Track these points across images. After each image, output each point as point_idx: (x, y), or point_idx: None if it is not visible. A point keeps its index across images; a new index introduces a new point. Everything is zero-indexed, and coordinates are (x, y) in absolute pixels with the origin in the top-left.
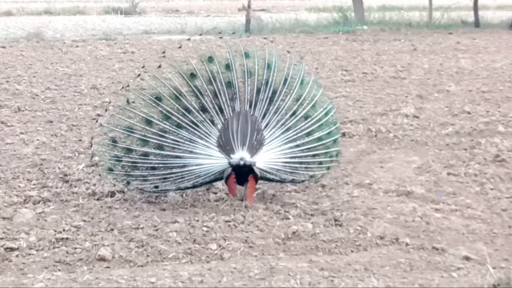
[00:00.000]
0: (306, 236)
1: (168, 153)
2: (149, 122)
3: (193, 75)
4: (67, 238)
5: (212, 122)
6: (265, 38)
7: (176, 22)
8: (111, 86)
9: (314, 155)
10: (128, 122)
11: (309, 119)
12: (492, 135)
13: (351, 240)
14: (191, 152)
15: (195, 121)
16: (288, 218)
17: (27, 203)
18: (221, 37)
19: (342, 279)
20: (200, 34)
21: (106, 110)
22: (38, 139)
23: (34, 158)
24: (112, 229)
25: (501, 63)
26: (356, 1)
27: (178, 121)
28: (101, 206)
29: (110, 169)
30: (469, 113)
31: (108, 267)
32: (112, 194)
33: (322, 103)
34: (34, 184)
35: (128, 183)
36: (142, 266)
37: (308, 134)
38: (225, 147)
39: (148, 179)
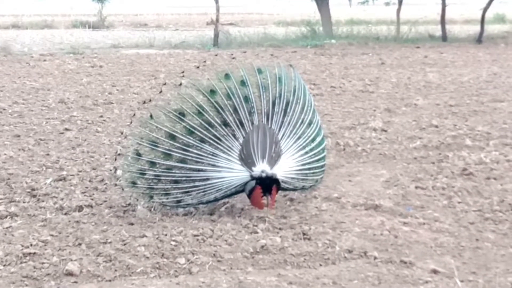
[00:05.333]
0: (274, 250)
1: (191, 166)
2: (173, 137)
3: (212, 92)
4: (34, 253)
5: (234, 136)
6: (232, 56)
7: (144, 36)
8: (79, 100)
9: (318, 160)
10: (153, 136)
11: (312, 125)
12: (460, 148)
13: (320, 254)
14: (213, 165)
15: (217, 135)
16: (257, 232)
17: None
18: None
19: None
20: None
21: (131, 122)
22: (5, 154)
23: (1, 173)
24: (80, 244)
25: (468, 77)
26: (324, 15)
27: (202, 135)
28: (69, 221)
29: (133, 183)
30: (436, 126)
31: (75, 282)
32: (80, 208)
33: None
34: (1, 199)
35: (151, 197)
36: (110, 280)
37: (313, 139)
38: (247, 160)
39: (171, 193)
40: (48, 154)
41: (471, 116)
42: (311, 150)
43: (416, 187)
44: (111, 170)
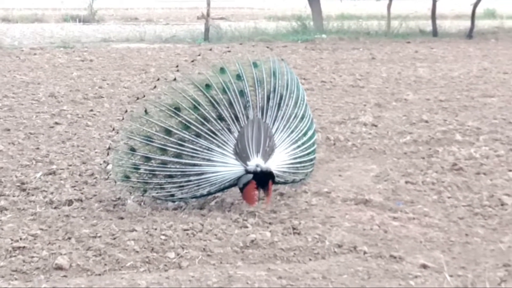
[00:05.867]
0: (264, 244)
1: (187, 161)
2: (168, 132)
3: (208, 86)
4: (24, 247)
5: (229, 130)
6: (228, 49)
7: (135, 30)
8: (69, 94)
9: (308, 153)
10: (148, 131)
11: (304, 119)
12: (450, 143)
13: (309, 248)
14: (208, 160)
15: (213, 129)
16: (247, 227)
17: None
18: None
19: None
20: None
21: (122, 119)
22: None
23: None
24: (69, 238)
25: (458, 72)
26: (315, 10)
27: (197, 130)
28: (59, 215)
29: (127, 177)
30: (427, 122)
31: (65, 276)
32: (69, 202)
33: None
34: None
35: (145, 191)
36: (99, 275)
37: (305, 133)
38: (241, 154)
39: (165, 187)
40: (38, 148)
41: (461, 111)
42: (303, 144)
43: (406, 182)
44: (101, 164)
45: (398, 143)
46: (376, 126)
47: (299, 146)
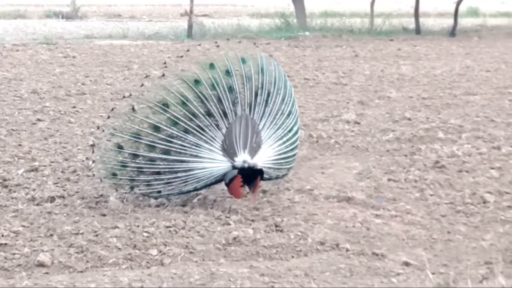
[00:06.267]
0: (246, 241)
1: (175, 157)
2: (156, 128)
3: (197, 82)
4: (5, 244)
5: (217, 126)
6: (216, 43)
7: (118, 26)
8: (52, 91)
9: (292, 149)
10: (135, 128)
11: (291, 115)
12: (432, 141)
13: (292, 245)
14: (196, 156)
15: (201, 125)
16: (229, 224)
17: None
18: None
19: (282, 285)
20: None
21: (108, 117)
22: None
23: None
24: (51, 235)
25: (441, 70)
26: (298, 7)
27: (186, 126)
28: (41, 212)
29: (114, 174)
30: (409, 119)
31: (47, 273)
32: (52, 199)
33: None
34: None
35: (132, 188)
36: (81, 271)
37: (290, 130)
38: (229, 150)
39: (152, 184)
40: (20, 145)
41: (444, 109)
42: (288, 140)
43: (389, 180)
44: (83, 161)
45: (380, 141)
46: (359, 123)
47: (284, 142)
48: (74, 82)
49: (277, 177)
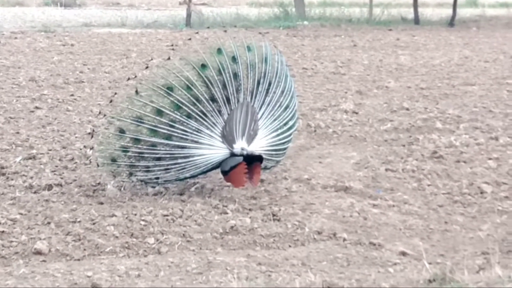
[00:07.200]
0: (244, 230)
1: (176, 143)
2: (159, 112)
3: (204, 66)
4: (3, 231)
5: (220, 112)
6: (208, 27)
7: (116, 15)
8: (50, 79)
9: (284, 143)
10: (138, 112)
11: (288, 109)
12: (430, 131)
13: (289, 235)
14: (196, 142)
15: (204, 110)
16: (226, 213)
17: None
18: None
19: (279, 274)
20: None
21: (111, 101)
22: None
23: None
24: (49, 223)
25: (439, 60)
26: None
27: (189, 110)
28: (38, 199)
29: (114, 160)
30: (407, 109)
31: (44, 261)
32: (49, 187)
33: (295, 93)
34: None
35: (131, 174)
36: (78, 260)
37: (286, 123)
38: (228, 137)
39: (152, 170)
40: (18, 133)
41: (442, 99)
42: (282, 133)
43: (386, 170)
44: (81, 149)
45: (378, 131)
46: (357, 113)
47: (278, 135)
48: (72, 70)
49: (265, 167)
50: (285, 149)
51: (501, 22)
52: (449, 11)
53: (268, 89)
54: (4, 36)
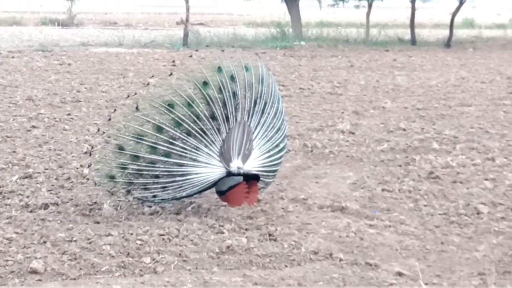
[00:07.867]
0: (240, 250)
1: (174, 160)
2: (160, 129)
3: (205, 83)
4: None
5: (219, 130)
6: (196, 50)
7: (113, 34)
8: (47, 98)
9: (274, 164)
10: (138, 129)
11: (279, 131)
12: (427, 152)
13: (285, 255)
14: (194, 160)
15: (204, 128)
16: (223, 232)
17: None
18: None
19: None
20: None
21: (109, 119)
22: None
23: None
24: (45, 242)
25: (436, 80)
26: (294, 17)
27: (189, 128)
28: (34, 218)
29: (112, 177)
30: (404, 130)
31: (40, 280)
32: (45, 206)
33: (285, 115)
34: None
35: (129, 192)
36: (74, 279)
37: (277, 145)
38: (225, 155)
39: (149, 188)
40: (14, 152)
41: (438, 120)
42: (273, 155)
43: (383, 190)
44: (77, 168)
45: (375, 151)
46: (353, 133)
47: (270, 156)
48: (69, 89)
49: None
50: (275, 171)
51: (498, 43)
52: (446, 32)
53: (263, 110)
54: (1, 55)
